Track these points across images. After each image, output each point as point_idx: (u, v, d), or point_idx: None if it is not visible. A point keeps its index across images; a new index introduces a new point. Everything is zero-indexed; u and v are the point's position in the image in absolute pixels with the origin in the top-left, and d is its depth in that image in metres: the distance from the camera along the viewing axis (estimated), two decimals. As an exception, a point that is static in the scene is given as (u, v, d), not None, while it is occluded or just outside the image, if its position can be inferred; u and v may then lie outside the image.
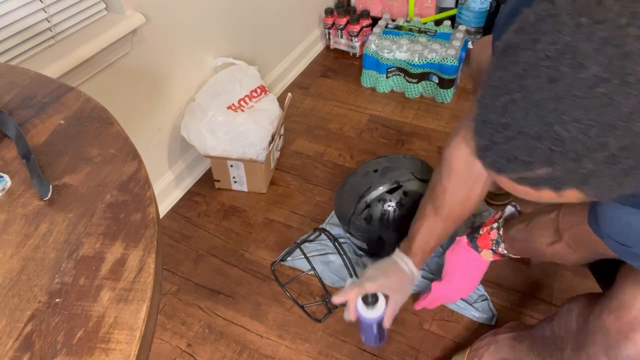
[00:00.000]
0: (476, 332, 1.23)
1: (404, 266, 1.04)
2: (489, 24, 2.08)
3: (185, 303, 1.33)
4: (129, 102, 1.35)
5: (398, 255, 1.05)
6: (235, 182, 1.62)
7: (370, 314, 1.05)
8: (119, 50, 1.23)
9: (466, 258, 1.13)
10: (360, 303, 1.06)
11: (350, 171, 1.40)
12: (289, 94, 1.72)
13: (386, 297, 1.01)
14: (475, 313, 1.26)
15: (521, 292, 1.30)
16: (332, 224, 1.49)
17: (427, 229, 1.05)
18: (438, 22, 2.17)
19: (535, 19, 0.44)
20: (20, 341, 0.44)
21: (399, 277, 1.03)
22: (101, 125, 0.68)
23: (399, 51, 1.93)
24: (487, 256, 1.11)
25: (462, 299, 1.29)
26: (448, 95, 1.94)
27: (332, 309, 1.28)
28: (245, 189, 1.63)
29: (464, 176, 1.02)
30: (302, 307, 1.28)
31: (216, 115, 1.47)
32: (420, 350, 1.21)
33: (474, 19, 2.13)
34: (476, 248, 1.11)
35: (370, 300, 1.04)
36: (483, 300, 1.29)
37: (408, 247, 1.06)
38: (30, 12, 1.04)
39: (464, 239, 1.13)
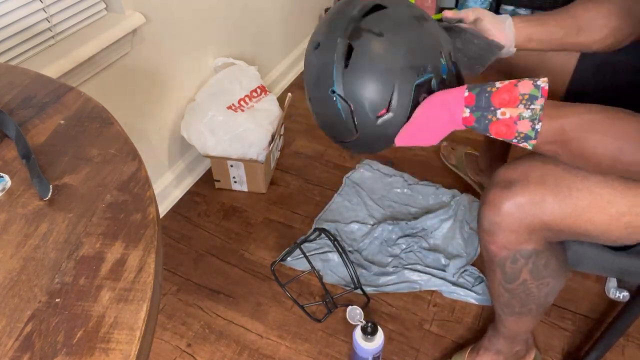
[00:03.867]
0: (476, 332, 1.23)
1: (504, 24, 0.87)
2: (489, 24, 2.08)
3: (185, 303, 1.33)
4: (129, 102, 1.35)
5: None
6: (235, 182, 1.62)
7: (368, 345, 1.06)
8: (119, 50, 1.23)
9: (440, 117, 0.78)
10: (358, 333, 1.07)
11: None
12: (289, 94, 1.72)
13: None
14: (476, 296, 1.28)
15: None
16: (324, 220, 1.49)
17: (546, 20, 0.87)
18: (438, 22, 2.16)
19: None
20: (20, 341, 0.44)
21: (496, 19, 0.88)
22: (101, 125, 0.68)
23: (399, 51, 1.93)
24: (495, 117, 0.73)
25: (460, 286, 1.31)
26: (448, 95, 1.94)
27: (332, 309, 1.28)
28: (245, 189, 1.63)
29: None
30: (302, 307, 1.28)
31: (216, 115, 1.47)
32: (420, 350, 1.21)
33: (474, 19, 2.12)
34: (480, 105, 0.73)
35: (369, 330, 1.05)
36: (480, 282, 1.31)
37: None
38: (30, 12, 1.04)
39: (462, 93, 0.74)
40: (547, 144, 0.72)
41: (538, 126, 0.71)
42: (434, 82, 0.77)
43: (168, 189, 1.58)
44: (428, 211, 1.51)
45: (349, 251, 1.42)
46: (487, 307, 1.28)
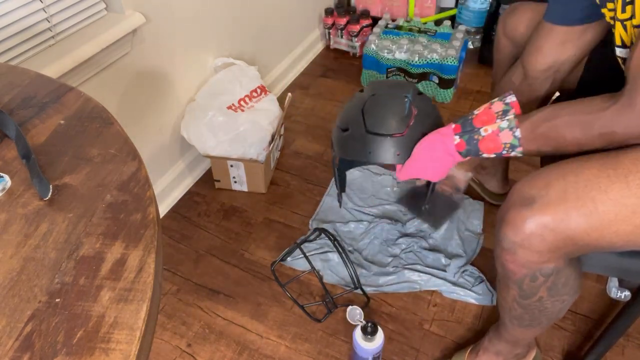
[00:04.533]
0: (476, 332, 1.23)
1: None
2: (488, 24, 2.08)
3: (185, 303, 1.33)
4: (129, 102, 1.35)
5: None
6: (235, 182, 1.62)
7: (368, 345, 1.06)
8: (119, 50, 1.23)
9: (438, 145, 0.93)
10: (358, 333, 1.07)
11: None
12: (289, 94, 1.72)
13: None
14: (476, 296, 1.28)
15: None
16: (320, 220, 1.49)
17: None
18: (438, 22, 2.17)
19: None
20: (20, 341, 0.44)
21: None
22: (101, 125, 0.68)
23: (399, 51, 1.93)
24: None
25: (460, 286, 1.31)
26: (448, 95, 1.94)
27: (332, 309, 1.28)
28: (245, 189, 1.63)
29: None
30: (302, 307, 1.28)
31: (216, 115, 1.47)
32: (420, 350, 1.21)
33: (474, 19, 2.13)
34: (466, 130, 0.88)
35: (369, 330, 1.05)
36: (480, 282, 1.32)
37: None
38: (30, 12, 1.04)
39: (450, 127, 0.91)
40: (529, 143, 0.83)
41: (517, 132, 0.82)
42: None
43: (168, 189, 1.58)
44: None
45: (349, 251, 1.42)
46: (487, 307, 1.28)
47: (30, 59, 1.08)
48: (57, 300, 0.47)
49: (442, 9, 2.27)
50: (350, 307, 1.26)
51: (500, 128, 0.83)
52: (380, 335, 1.07)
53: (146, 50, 1.33)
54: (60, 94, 0.74)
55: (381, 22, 2.09)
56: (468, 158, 0.90)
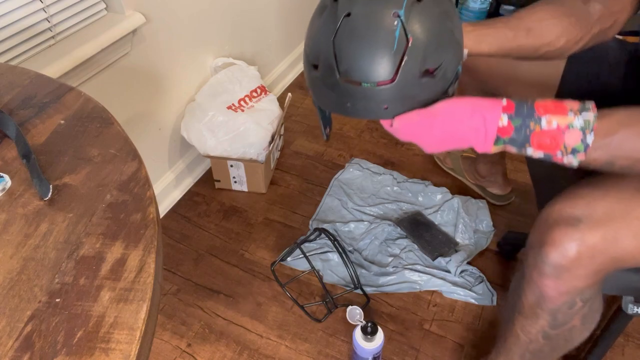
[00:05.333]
0: (476, 332, 1.23)
1: None
2: (489, 24, 2.08)
3: (185, 303, 1.33)
4: (129, 102, 1.35)
5: None
6: (235, 182, 1.62)
7: (368, 345, 1.06)
8: (119, 50, 1.23)
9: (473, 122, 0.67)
10: (358, 333, 1.07)
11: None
12: (289, 94, 1.72)
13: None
14: (476, 296, 1.28)
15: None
16: (320, 220, 1.49)
17: (493, 24, 0.82)
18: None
19: None
20: (20, 341, 0.44)
21: None
22: (101, 125, 0.68)
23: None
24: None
25: (460, 286, 1.31)
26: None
27: (332, 309, 1.28)
28: (245, 189, 1.63)
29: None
30: (302, 307, 1.28)
31: (216, 115, 1.47)
32: (420, 350, 1.21)
33: (474, 19, 2.13)
34: (522, 113, 0.65)
35: (369, 330, 1.05)
36: (480, 282, 1.32)
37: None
38: (30, 12, 1.04)
39: (498, 101, 0.67)
40: (596, 151, 0.64)
41: (589, 138, 0.62)
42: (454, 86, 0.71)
43: (168, 189, 1.58)
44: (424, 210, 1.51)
45: (349, 251, 1.42)
46: (487, 307, 1.28)
47: (30, 59, 1.08)
48: (57, 300, 0.47)
49: (442, 9, 2.27)
50: (350, 307, 1.26)
51: (571, 125, 0.62)
52: (380, 335, 1.07)
53: (146, 50, 1.33)
54: (60, 94, 0.74)
55: (381, 22, 2.09)
56: (498, 148, 0.68)
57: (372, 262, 1.39)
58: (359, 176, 1.65)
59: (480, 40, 0.79)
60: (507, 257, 1.35)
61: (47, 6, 1.08)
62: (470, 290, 1.30)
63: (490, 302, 1.28)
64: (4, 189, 0.59)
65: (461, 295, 1.30)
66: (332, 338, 1.24)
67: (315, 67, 0.70)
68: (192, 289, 1.36)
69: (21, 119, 0.69)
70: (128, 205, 0.56)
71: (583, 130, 0.62)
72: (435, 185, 1.60)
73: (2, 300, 0.47)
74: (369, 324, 1.06)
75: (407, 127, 0.68)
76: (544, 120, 0.63)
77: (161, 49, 1.39)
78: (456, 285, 1.31)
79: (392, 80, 0.65)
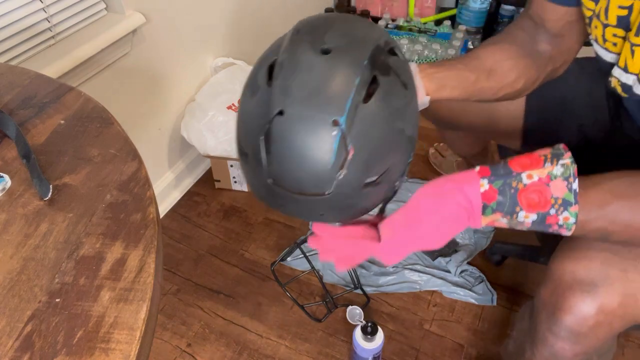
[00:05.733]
0: (476, 332, 1.23)
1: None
2: (488, 24, 2.08)
3: (185, 303, 1.33)
4: (129, 102, 1.35)
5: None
6: (235, 182, 1.62)
7: (368, 345, 1.06)
8: (119, 50, 1.23)
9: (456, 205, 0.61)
10: (358, 333, 1.07)
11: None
12: (289, 94, 1.71)
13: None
14: (476, 296, 1.28)
15: (507, 288, 1.30)
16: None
17: (454, 65, 0.78)
18: (438, 22, 2.17)
19: None
20: (20, 341, 0.44)
21: None
22: (101, 125, 0.68)
23: (399, 51, 1.93)
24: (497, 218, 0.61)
25: (460, 286, 1.31)
26: (448, 95, 1.94)
27: (332, 309, 1.28)
28: (245, 188, 1.63)
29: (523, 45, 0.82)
30: (302, 307, 1.28)
31: (216, 115, 1.47)
32: (420, 350, 1.21)
33: (474, 19, 2.13)
34: (499, 173, 0.60)
35: (369, 330, 1.05)
36: (480, 282, 1.32)
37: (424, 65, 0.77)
38: (30, 12, 1.04)
39: (471, 171, 0.62)
40: (590, 216, 0.59)
41: (575, 184, 0.57)
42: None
43: (168, 189, 1.58)
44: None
45: (349, 251, 1.42)
46: (487, 307, 1.28)
47: (30, 59, 1.08)
48: (57, 300, 0.47)
49: (442, 9, 2.27)
50: (350, 307, 1.26)
51: (552, 175, 0.58)
52: (380, 335, 1.07)
53: (146, 50, 1.33)
54: (60, 94, 0.74)
55: (381, 22, 2.09)
56: (488, 220, 0.60)
57: (372, 262, 1.38)
58: (359, 176, 1.65)
59: (442, 85, 0.75)
60: (497, 265, 1.34)
61: (47, 6, 1.08)
62: (470, 290, 1.30)
63: (490, 302, 1.28)
64: (4, 189, 0.59)
65: (461, 295, 1.30)
66: (332, 338, 1.24)
67: (246, 155, 0.60)
68: (192, 289, 1.36)
69: (21, 119, 0.69)
70: (128, 205, 0.56)
71: (566, 178, 0.58)
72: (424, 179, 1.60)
73: (2, 300, 0.47)
74: (369, 324, 1.06)
75: (396, 242, 0.63)
76: (524, 176, 0.58)
77: (161, 49, 1.39)
78: (456, 285, 1.31)
79: (323, 194, 0.57)
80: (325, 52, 0.56)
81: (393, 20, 2.15)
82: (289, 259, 1.40)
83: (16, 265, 0.51)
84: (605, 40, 0.73)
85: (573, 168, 0.57)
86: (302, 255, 1.33)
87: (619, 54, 0.71)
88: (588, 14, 0.74)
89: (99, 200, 0.57)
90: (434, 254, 1.36)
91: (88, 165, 0.62)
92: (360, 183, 0.57)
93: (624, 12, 0.66)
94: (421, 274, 1.33)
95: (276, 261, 1.35)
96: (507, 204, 0.59)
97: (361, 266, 1.37)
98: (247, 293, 1.34)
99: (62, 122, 0.69)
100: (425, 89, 0.74)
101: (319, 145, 0.54)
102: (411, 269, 1.35)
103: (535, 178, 0.58)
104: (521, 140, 1.03)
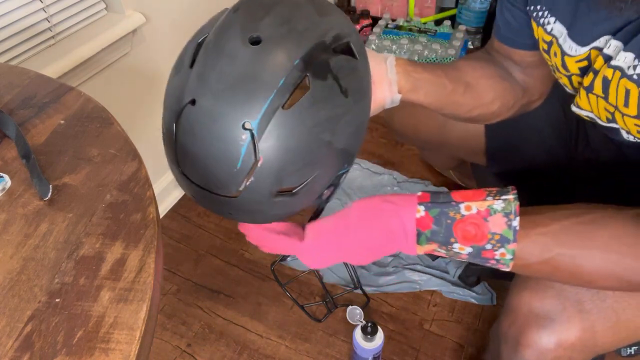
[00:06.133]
0: (476, 332, 1.23)
1: (385, 64, 0.68)
2: (489, 24, 2.08)
3: (185, 303, 1.33)
4: (129, 102, 1.35)
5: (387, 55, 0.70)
6: (235, 182, 1.62)
7: (368, 345, 1.06)
8: (119, 50, 1.23)
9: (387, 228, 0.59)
10: (358, 333, 1.07)
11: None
12: (289, 94, 1.71)
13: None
14: (475, 296, 1.28)
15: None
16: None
17: (433, 70, 0.73)
18: (438, 22, 2.17)
19: None
20: (20, 341, 0.44)
21: (375, 67, 0.66)
22: (101, 125, 0.68)
23: (399, 51, 1.93)
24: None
25: (460, 286, 1.31)
26: (448, 95, 1.94)
27: (332, 309, 1.28)
28: (245, 189, 1.63)
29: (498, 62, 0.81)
30: (302, 307, 1.28)
31: (216, 115, 1.47)
32: (420, 350, 1.21)
33: (474, 19, 2.13)
34: (437, 201, 0.57)
35: (369, 330, 1.05)
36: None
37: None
38: (30, 12, 1.04)
39: (411, 195, 0.60)
40: (527, 253, 0.57)
41: (515, 222, 0.54)
42: (334, 186, 0.61)
43: (168, 189, 1.58)
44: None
45: (349, 251, 1.42)
46: (487, 307, 1.28)
47: (30, 59, 1.08)
48: (57, 300, 0.47)
49: (442, 9, 2.27)
50: (350, 307, 1.26)
51: (492, 210, 0.54)
52: (380, 335, 1.07)
53: (146, 50, 1.33)
54: (60, 94, 0.74)
55: (381, 22, 2.09)
56: (424, 249, 0.59)
57: (372, 262, 1.39)
58: (358, 176, 1.65)
59: (417, 86, 0.70)
60: (472, 286, 1.32)
61: (47, 6, 1.08)
62: (469, 290, 1.30)
63: (490, 302, 1.28)
64: (4, 189, 0.59)
65: (461, 295, 1.30)
66: (332, 338, 1.24)
67: (163, 134, 0.57)
68: (192, 289, 1.36)
69: (21, 119, 0.69)
70: (128, 205, 0.56)
71: (507, 214, 0.54)
72: (435, 185, 1.60)
73: (2, 300, 0.47)
74: (369, 324, 1.06)
75: (319, 240, 0.61)
76: (462, 207, 0.55)
77: (161, 49, 1.39)
78: (456, 285, 1.31)
79: (232, 197, 0.53)
80: (255, 42, 0.50)
81: (393, 20, 2.15)
82: (289, 259, 1.40)
83: (16, 265, 0.51)
84: (574, 87, 0.72)
85: (515, 205, 0.54)
86: (302, 255, 1.33)
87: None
88: (549, 64, 0.73)
89: (99, 200, 0.57)
90: (433, 255, 1.36)
91: (88, 165, 0.62)
92: (270, 192, 0.53)
93: (584, 63, 0.66)
94: (421, 274, 1.33)
95: (276, 261, 1.35)
96: (441, 234, 0.56)
97: (361, 266, 1.37)
98: (247, 293, 1.34)
99: (62, 122, 0.69)
100: (399, 86, 0.69)
101: (226, 147, 0.50)
102: (411, 269, 1.35)
103: (474, 210, 0.55)
104: (486, 157, 1.03)
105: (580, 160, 0.92)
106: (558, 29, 0.67)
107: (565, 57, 0.68)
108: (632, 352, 1.24)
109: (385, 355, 1.19)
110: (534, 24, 0.72)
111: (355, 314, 1.25)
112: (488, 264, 0.58)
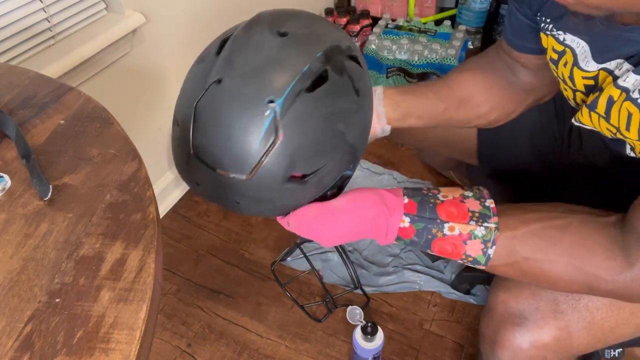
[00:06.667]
0: (476, 332, 1.23)
1: (374, 96, 0.72)
2: (489, 24, 2.08)
3: (185, 303, 1.33)
4: (129, 102, 1.35)
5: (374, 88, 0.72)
6: (235, 182, 1.62)
7: (368, 345, 1.06)
8: (119, 50, 1.23)
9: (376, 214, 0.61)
10: (358, 333, 1.07)
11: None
12: (289, 94, 1.71)
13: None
14: (475, 297, 1.29)
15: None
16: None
17: (424, 92, 0.76)
18: (438, 22, 2.17)
19: None
20: (20, 341, 0.44)
21: None
22: (101, 125, 0.68)
23: (399, 51, 1.93)
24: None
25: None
26: (448, 95, 1.94)
27: (332, 309, 1.28)
28: (245, 189, 1.63)
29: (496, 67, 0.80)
30: (302, 307, 1.28)
31: (216, 115, 1.47)
32: (420, 350, 1.21)
33: (474, 19, 2.13)
34: (424, 216, 0.60)
35: (369, 330, 1.05)
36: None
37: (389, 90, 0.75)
38: (30, 12, 1.04)
39: (400, 198, 0.62)
40: (498, 268, 0.61)
41: (491, 250, 0.58)
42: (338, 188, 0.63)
43: (168, 189, 1.58)
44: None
45: (349, 251, 1.42)
46: (487, 307, 1.28)
47: (30, 59, 1.07)
48: (57, 300, 0.47)
49: (442, 9, 2.27)
50: (350, 307, 1.26)
51: (473, 235, 0.58)
52: (380, 335, 1.07)
53: (146, 50, 1.33)
54: (60, 94, 0.74)
55: (381, 22, 2.09)
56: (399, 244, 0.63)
57: (372, 262, 1.39)
58: (359, 176, 1.65)
59: (407, 114, 0.73)
60: (466, 293, 1.31)
61: (47, 6, 1.08)
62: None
63: None
64: (4, 189, 0.59)
65: (460, 295, 1.30)
66: (332, 338, 1.24)
67: (177, 122, 0.58)
68: (192, 289, 1.36)
69: (21, 119, 0.69)
70: (128, 205, 0.56)
71: (485, 242, 0.58)
72: (435, 184, 1.60)
73: (2, 300, 0.47)
74: (369, 324, 1.06)
75: (302, 223, 0.60)
76: (447, 227, 0.59)
77: (161, 49, 1.39)
78: (456, 285, 1.32)
79: (246, 177, 0.54)
80: (282, 34, 0.54)
81: (393, 20, 2.15)
82: (289, 259, 1.40)
83: (16, 265, 0.51)
84: (577, 103, 0.71)
85: (495, 234, 0.58)
86: (302, 255, 1.33)
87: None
88: (554, 73, 0.72)
89: (99, 200, 0.57)
90: (434, 256, 1.36)
91: (88, 165, 0.62)
92: (283, 175, 0.54)
93: (590, 82, 0.64)
94: (421, 274, 1.33)
95: (276, 261, 1.35)
96: (420, 244, 0.60)
97: (361, 266, 1.37)
98: (247, 293, 1.34)
99: (62, 122, 0.69)
100: (388, 117, 0.72)
101: (249, 121, 0.51)
102: (411, 269, 1.35)
103: (456, 232, 0.58)
104: (478, 157, 1.04)
105: (571, 161, 0.92)
106: (576, 41, 0.64)
107: (575, 69, 0.65)
108: (616, 355, 1.24)
109: (385, 355, 1.19)
110: (542, 34, 0.70)
111: (355, 314, 1.25)
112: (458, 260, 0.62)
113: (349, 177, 0.62)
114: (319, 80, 0.53)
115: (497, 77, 0.80)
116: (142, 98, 1.39)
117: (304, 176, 0.55)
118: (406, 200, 0.60)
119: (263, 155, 0.52)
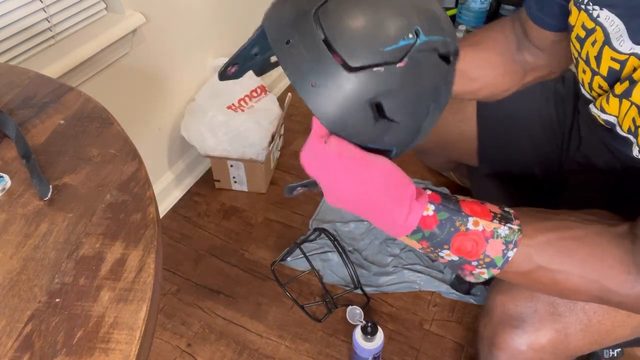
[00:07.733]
0: (476, 331, 1.23)
1: None
2: (488, 23, 2.08)
3: (185, 303, 1.33)
4: (129, 102, 1.35)
5: None
6: (235, 182, 1.62)
7: (368, 345, 1.06)
8: (119, 50, 1.23)
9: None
10: (358, 333, 1.07)
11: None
12: (289, 94, 1.72)
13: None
14: (474, 297, 1.29)
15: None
16: (320, 220, 1.49)
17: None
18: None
19: None
20: (20, 341, 0.44)
21: None
22: (101, 125, 0.68)
23: (399, 51, 1.93)
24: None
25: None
26: (448, 95, 1.94)
27: (332, 309, 1.28)
28: (245, 189, 1.63)
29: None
30: (302, 307, 1.28)
31: (216, 115, 1.47)
32: (420, 350, 1.21)
33: (474, 19, 2.13)
34: (448, 206, 0.55)
35: (369, 330, 1.05)
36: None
37: None
38: (30, 12, 1.04)
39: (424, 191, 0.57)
40: (510, 274, 0.57)
41: (511, 253, 0.55)
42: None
43: (168, 189, 1.58)
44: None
45: (349, 251, 1.42)
46: (487, 307, 1.28)
47: (30, 59, 1.08)
48: (57, 300, 0.47)
49: (442, 9, 2.27)
50: (350, 307, 1.26)
51: (496, 233, 0.55)
52: (380, 335, 1.07)
53: (146, 50, 1.33)
54: (60, 94, 0.74)
55: (381, 22, 2.09)
56: (408, 240, 0.56)
57: (372, 262, 1.39)
58: (359, 176, 1.65)
59: None
60: (466, 294, 1.31)
61: (47, 6, 1.08)
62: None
63: None
64: (4, 189, 0.59)
65: (460, 295, 1.30)
66: (332, 338, 1.24)
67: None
68: (192, 289, 1.36)
69: (21, 119, 0.69)
70: (128, 205, 0.56)
71: (507, 242, 0.55)
72: (435, 185, 1.60)
73: (2, 300, 0.47)
74: (369, 324, 1.06)
75: (331, 155, 0.53)
76: (471, 221, 0.54)
77: (161, 49, 1.39)
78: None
79: (346, 71, 0.48)
80: None
81: (393, 20, 2.15)
82: (289, 259, 1.40)
83: (16, 265, 0.51)
84: (591, 89, 0.69)
85: (518, 236, 0.55)
86: (302, 255, 1.33)
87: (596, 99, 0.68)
88: (575, 53, 0.70)
89: (99, 200, 0.57)
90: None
91: (88, 165, 0.62)
92: (374, 95, 0.49)
93: (616, 66, 0.62)
94: (421, 274, 1.33)
95: (276, 261, 1.35)
96: (439, 238, 0.55)
97: (361, 266, 1.37)
98: (247, 293, 1.34)
99: (62, 122, 0.69)
100: None
101: (389, 28, 0.48)
102: (411, 269, 1.35)
103: (480, 228, 0.55)
104: (478, 158, 1.04)
105: (571, 161, 0.92)
106: (611, 19, 0.61)
107: (606, 48, 0.62)
108: (615, 355, 1.24)
109: (385, 355, 1.19)
110: (573, 8, 0.66)
111: (355, 314, 1.25)
112: (459, 272, 0.57)
113: (389, 156, 0.57)
114: (446, 56, 0.51)
115: (498, 54, 0.79)
116: (142, 98, 1.39)
117: (382, 113, 0.50)
118: (429, 191, 0.56)
119: (378, 63, 0.47)
